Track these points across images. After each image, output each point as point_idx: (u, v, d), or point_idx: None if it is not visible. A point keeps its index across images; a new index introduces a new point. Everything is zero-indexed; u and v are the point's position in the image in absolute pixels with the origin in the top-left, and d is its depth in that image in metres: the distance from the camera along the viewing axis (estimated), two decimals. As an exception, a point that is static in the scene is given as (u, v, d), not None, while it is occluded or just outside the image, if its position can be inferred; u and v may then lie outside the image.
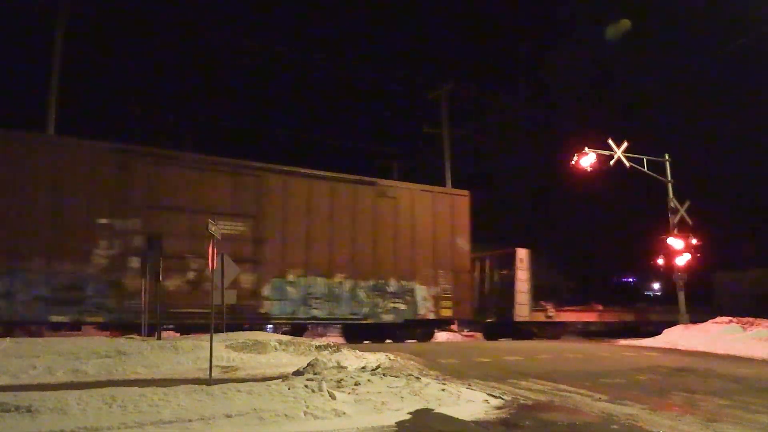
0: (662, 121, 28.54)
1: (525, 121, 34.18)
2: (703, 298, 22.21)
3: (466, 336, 21.68)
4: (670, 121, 28.40)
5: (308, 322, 16.19)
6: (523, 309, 19.63)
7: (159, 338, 11.09)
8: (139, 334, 12.15)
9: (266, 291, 14.93)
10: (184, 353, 9.87)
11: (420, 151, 32.70)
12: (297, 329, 16.80)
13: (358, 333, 16.96)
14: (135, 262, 13.13)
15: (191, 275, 13.99)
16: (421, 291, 17.05)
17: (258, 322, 15.00)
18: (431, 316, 17.18)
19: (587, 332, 22.94)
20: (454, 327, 19.49)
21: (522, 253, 20.04)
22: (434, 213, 17.68)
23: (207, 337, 9.40)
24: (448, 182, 25.68)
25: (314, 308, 15.45)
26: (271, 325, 17.11)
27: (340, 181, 16.55)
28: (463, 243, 18.12)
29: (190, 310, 13.72)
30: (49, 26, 18.05)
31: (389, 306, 16.50)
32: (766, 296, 21.52)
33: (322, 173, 16.37)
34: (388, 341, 16.76)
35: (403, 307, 16.73)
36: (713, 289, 24.61)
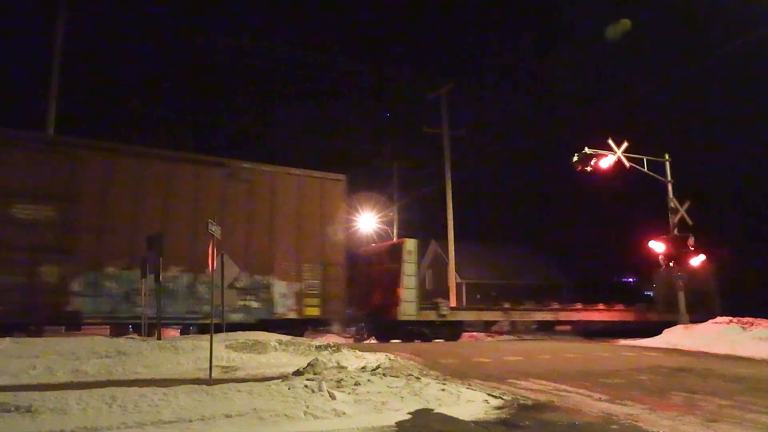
0: (662, 122, 28.58)
1: (525, 120, 34.19)
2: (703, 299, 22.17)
3: (347, 339, 19.44)
4: (670, 121, 28.44)
5: (131, 321, 13.75)
6: (409, 306, 17.44)
7: (159, 338, 11.09)
8: (139, 334, 12.16)
9: (76, 286, 12.92)
10: (184, 353, 9.87)
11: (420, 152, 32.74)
12: (123, 330, 14.16)
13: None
14: None
15: None
16: (279, 287, 15.09)
17: (62, 324, 13.34)
18: (292, 315, 15.20)
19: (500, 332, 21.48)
20: (337, 328, 17.87)
21: (410, 245, 17.98)
22: (300, 199, 15.78)
23: (205, 337, 9.41)
24: (448, 182, 25.68)
25: (140, 306, 13.04)
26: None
27: (180, 161, 14.74)
28: (336, 233, 16.20)
29: None
30: (49, 26, 18.06)
31: (238, 304, 14.38)
32: (702, 291, 21.15)
33: (156, 151, 14.93)
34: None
35: (255, 305, 14.76)
36: (653, 284, 24.10)
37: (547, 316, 20.81)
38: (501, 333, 21.49)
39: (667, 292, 21.30)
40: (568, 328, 21.99)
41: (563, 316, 20.94)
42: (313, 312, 15.53)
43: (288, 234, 15.49)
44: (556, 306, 21.40)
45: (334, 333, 18.39)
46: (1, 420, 5.30)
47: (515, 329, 21.61)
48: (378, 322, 18.75)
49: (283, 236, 15.41)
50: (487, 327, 20.88)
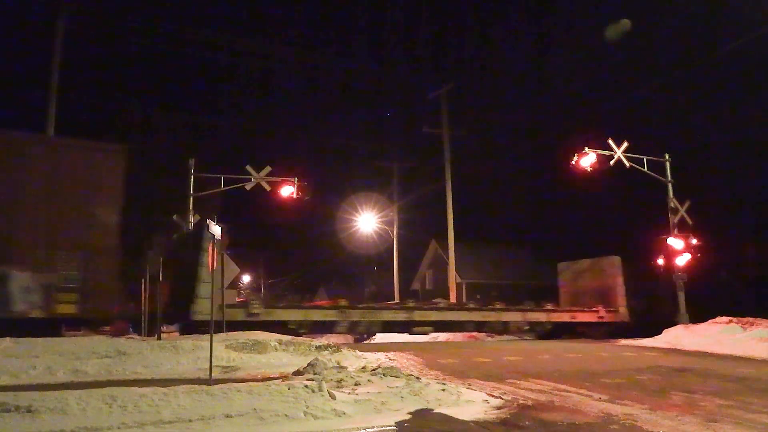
0: (662, 122, 28.59)
1: (525, 120, 34.22)
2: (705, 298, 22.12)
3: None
4: (670, 121, 28.44)
5: None
6: (204, 304, 13.93)
7: (159, 338, 11.10)
8: (139, 334, 12.17)
9: None
10: (184, 353, 9.88)
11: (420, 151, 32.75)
12: None
13: None
14: None
15: None
16: (19, 279, 12.38)
17: None
18: (37, 314, 12.50)
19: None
20: (111, 328, 14.48)
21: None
22: (55, 172, 13.24)
23: (206, 337, 9.41)
24: (448, 182, 25.67)
25: None
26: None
27: None
28: (108, 214, 13.42)
29: None
30: (50, 26, 18.05)
31: None
32: (602, 287, 20.81)
33: None
34: None
35: None
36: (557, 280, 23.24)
37: (399, 316, 17.59)
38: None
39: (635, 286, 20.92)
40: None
41: (421, 316, 17.85)
42: (68, 309, 12.87)
43: (36, 214, 12.97)
44: (472, 305, 19.64)
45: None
46: (1, 420, 5.30)
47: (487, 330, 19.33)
48: (174, 322, 16.14)
49: (29, 216, 12.92)
50: (328, 329, 17.50)
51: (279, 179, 20.54)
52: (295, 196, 20.46)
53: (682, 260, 18.91)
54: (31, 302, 12.47)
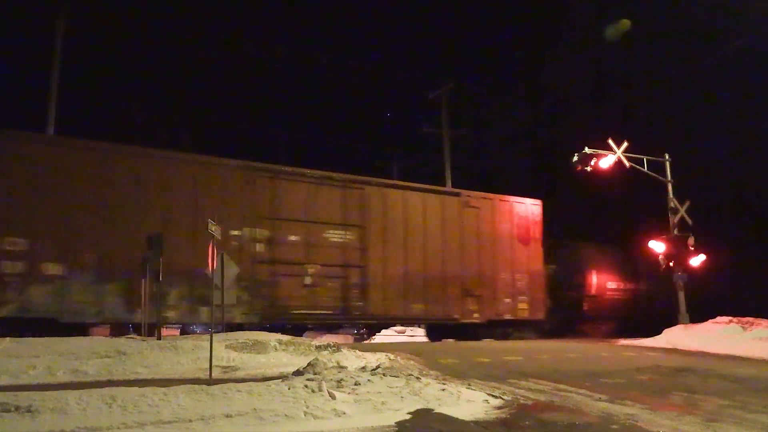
0: (662, 122, 28.56)
1: (524, 120, 34.19)
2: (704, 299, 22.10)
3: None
4: (670, 121, 28.41)
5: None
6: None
7: (159, 338, 11.09)
8: (139, 334, 12.16)
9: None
10: (184, 353, 9.87)
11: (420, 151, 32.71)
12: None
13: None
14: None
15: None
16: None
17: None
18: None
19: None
20: None
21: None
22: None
23: (206, 337, 9.41)
24: (448, 182, 25.67)
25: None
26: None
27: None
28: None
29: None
30: (49, 26, 18.04)
31: None
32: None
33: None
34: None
35: None
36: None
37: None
38: None
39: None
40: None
41: None
42: None
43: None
44: None
45: None
46: (1, 420, 5.29)
47: None
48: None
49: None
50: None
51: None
52: None
53: (682, 260, 18.91)
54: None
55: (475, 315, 17.76)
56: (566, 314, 20.98)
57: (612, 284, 22.69)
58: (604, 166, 18.89)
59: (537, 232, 19.46)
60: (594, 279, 22.11)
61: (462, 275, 17.66)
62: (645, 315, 21.74)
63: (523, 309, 18.53)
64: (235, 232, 14.26)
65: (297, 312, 14.94)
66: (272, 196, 15.08)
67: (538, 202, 19.80)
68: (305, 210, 15.41)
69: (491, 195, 19.09)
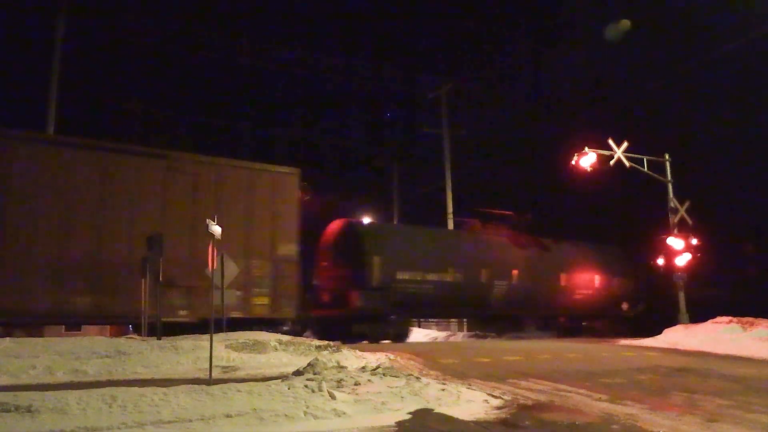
0: (662, 122, 28.58)
1: (524, 120, 34.20)
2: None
3: None
4: (670, 121, 28.43)
5: None
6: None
7: (159, 338, 11.09)
8: (139, 334, 12.15)
9: None
10: (184, 353, 9.87)
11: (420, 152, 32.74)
12: None
13: None
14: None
15: None
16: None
17: None
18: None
19: None
20: None
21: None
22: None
23: (206, 337, 9.40)
24: (448, 182, 25.69)
25: None
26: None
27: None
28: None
29: None
30: (49, 26, 18.06)
31: None
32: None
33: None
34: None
35: None
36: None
37: None
38: None
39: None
40: None
41: None
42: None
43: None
44: None
45: None
46: (1, 420, 5.29)
47: None
48: None
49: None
50: None
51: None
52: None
53: (682, 260, 18.91)
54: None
55: (182, 312, 13.92)
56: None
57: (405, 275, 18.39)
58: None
59: (291, 208, 15.79)
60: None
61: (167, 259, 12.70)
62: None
63: (262, 305, 14.90)
64: None
65: None
66: None
67: (295, 170, 16.16)
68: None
69: (217, 159, 15.53)
